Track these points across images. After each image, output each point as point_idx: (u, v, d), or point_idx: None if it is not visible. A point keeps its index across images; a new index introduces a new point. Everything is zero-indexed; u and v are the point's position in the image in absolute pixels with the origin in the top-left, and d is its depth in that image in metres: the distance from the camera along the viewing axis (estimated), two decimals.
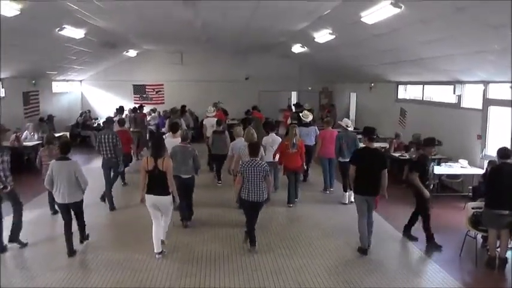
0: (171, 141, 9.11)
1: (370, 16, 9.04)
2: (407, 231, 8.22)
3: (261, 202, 7.40)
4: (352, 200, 10.01)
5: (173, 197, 7.17)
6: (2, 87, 14.03)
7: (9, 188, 7.32)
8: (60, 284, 6.30)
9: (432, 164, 7.94)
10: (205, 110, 14.54)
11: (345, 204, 10.33)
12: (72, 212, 7.37)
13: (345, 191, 10.45)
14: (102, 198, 10.01)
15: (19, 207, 7.65)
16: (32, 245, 7.71)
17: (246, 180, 7.30)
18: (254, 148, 7.59)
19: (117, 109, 15.85)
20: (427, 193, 7.62)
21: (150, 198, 7.06)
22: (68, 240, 7.29)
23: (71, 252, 7.28)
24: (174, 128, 10.04)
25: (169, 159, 7.19)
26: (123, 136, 10.50)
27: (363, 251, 7.52)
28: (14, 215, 7.60)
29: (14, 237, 7.56)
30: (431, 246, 7.72)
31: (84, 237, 7.64)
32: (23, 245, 7.59)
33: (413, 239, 8.06)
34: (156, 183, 6.98)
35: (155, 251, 7.23)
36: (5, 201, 7.50)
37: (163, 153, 7.11)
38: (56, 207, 7.88)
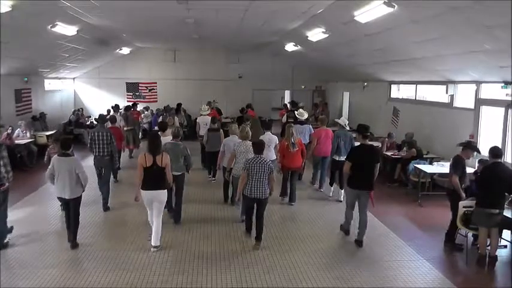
0: (162, 139, 9.10)
1: (363, 15, 9.07)
2: (451, 241, 7.86)
3: (264, 199, 7.50)
4: (342, 199, 10.15)
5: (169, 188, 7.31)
6: None
7: (6, 185, 7.25)
8: (53, 282, 6.28)
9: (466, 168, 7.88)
10: (198, 108, 14.50)
11: (330, 197, 10.55)
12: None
13: (331, 185, 10.67)
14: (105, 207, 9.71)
15: (5, 210, 7.47)
16: (23, 242, 7.67)
17: (250, 177, 7.40)
18: (259, 146, 7.66)
19: (112, 107, 15.82)
20: (463, 195, 7.64)
21: (146, 194, 7.12)
22: (69, 230, 7.48)
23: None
24: (162, 127, 10.24)
25: (167, 155, 7.24)
26: (114, 133, 10.45)
27: (345, 231, 8.16)
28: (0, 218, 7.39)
29: (0, 243, 7.37)
30: (452, 246, 7.79)
31: (74, 243, 7.47)
32: (5, 247, 7.41)
33: (459, 248, 7.73)
34: (153, 179, 7.07)
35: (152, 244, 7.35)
36: None
37: (160, 150, 7.19)
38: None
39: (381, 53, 11.69)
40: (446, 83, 11.60)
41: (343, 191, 10.14)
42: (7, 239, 7.54)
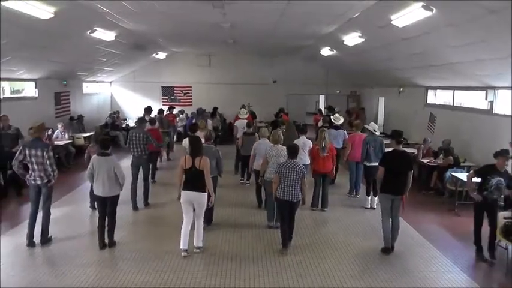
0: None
1: (401, 19, 8.93)
2: (491, 251, 7.57)
3: (295, 202, 7.55)
4: (375, 206, 10.02)
5: (209, 195, 7.35)
6: (36, 88, 14.42)
7: (53, 181, 7.65)
8: (88, 281, 6.40)
9: (498, 179, 7.36)
10: (232, 112, 14.63)
11: (367, 208, 10.31)
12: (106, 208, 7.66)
13: (368, 195, 10.44)
14: (146, 203, 10.26)
15: (49, 205, 7.82)
16: (59, 240, 7.91)
17: (282, 180, 7.48)
18: (293, 150, 7.71)
19: (145, 109, 16.05)
20: (474, 195, 7.54)
21: (185, 194, 7.25)
22: (101, 232, 7.64)
23: (103, 244, 7.61)
24: (192, 129, 10.43)
25: (207, 159, 7.32)
26: (153, 135, 10.73)
27: (386, 250, 7.66)
28: (43, 213, 7.75)
29: (44, 238, 7.77)
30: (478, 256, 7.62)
31: (111, 241, 7.73)
32: (49, 241, 7.85)
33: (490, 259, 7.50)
34: (193, 181, 7.20)
35: (181, 247, 7.33)
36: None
37: (200, 153, 7.28)
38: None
39: (419, 57, 11.45)
40: (485, 88, 11.27)
41: (376, 198, 10.00)
42: (50, 234, 7.89)
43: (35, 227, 7.70)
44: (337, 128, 12.37)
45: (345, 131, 12.51)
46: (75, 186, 11.76)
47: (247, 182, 12.18)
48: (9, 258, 7.15)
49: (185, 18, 11.78)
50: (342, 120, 12.79)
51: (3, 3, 7.49)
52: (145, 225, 9.09)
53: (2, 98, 12.66)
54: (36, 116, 12.19)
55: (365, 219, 9.55)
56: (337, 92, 23.13)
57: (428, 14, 7.96)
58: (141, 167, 10.17)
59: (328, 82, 22.93)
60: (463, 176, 10.21)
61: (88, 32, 11.55)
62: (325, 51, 16.71)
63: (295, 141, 9.90)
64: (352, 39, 12.72)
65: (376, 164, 8.97)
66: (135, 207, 9.90)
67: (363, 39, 12.17)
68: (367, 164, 10.14)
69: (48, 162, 7.46)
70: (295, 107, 23.00)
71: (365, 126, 11.12)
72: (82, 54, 14.40)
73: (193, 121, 14.47)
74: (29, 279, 6.46)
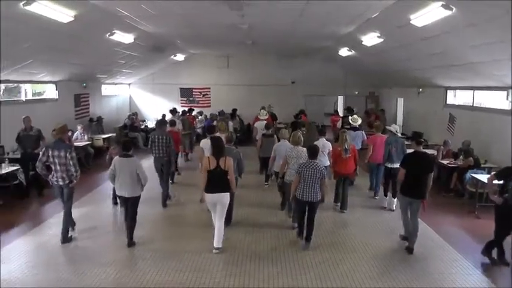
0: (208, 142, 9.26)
1: (420, 19, 8.86)
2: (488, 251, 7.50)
3: (315, 202, 7.60)
4: (393, 208, 9.96)
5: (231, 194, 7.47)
6: (56, 90, 14.64)
7: (74, 182, 7.80)
8: (108, 280, 6.48)
9: None
10: (251, 114, 14.65)
11: (385, 208, 10.26)
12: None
13: (386, 195, 10.43)
14: (164, 203, 10.29)
15: (70, 205, 7.96)
16: (79, 240, 8.04)
17: (302, 180, 7.53)
18: (313, 151, 7.74)
19: (170, 111, 16.32)
20: (494, 198, 7.37)
21: (209, 197, 7.30)
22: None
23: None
24: (210, 130, 10.40)
25: (231, 159, 7.39)
26: (173, 136, 10.89)
27: (405, 238, 8.02)
28: (64, 213, 7.90)
29: (65, 238, 7.90)
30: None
31: (131, 242, 7.81)
32: (69, 241, 7.96)
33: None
34: (217, 182, 7.24)
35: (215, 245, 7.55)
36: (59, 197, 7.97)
37: (224, 153, 7.34)
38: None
39: (439, 57, 11.31)
40: (507, 89, 11.10)
41: (395, 200, 9.92)
42: (70, 234, 8.05)
43: (57, 227, 7.94)
44: (355, 129, 12.36)
45: (363, 132, 12.48)
46: (94, 186, 11.93)
47: (266, 183, 12.18)
48: (31, 257, 7.29)
49: (203, 20, 11.84)
50: (360, 121, 12.80)
51: (26, 7, 7.63)
52: (165, 224, 9.17)
53: (24, 100, 12.90)
54: (56, 118, 12.37)
55: (384, 221, 9.49)
56: (356, 92, 23.02)
57: (448, 13, 7.87)
58: (162, 166, 10.36)
59: (347, 83, 22.81)
60: (483, 177, 10.05)
61: (107, 35, 11.70)
62: (344, 52, 16.68)
63: (315, 143, 9.89)
64: (370, 39, 12.66)
65: (398, 165, 8.91)
66: (168, 198, 10.37)
67: (381, 40, 12.10)
68: (389, 165, 10.07)
69: (71, 162, 7.61)
70: (313, 108, 22.93)
71: (386, 127, 11.06)
72: (101, 57, 14.58)
73: (214, 123, 14.57)
74: (50, 278, 6.56)
